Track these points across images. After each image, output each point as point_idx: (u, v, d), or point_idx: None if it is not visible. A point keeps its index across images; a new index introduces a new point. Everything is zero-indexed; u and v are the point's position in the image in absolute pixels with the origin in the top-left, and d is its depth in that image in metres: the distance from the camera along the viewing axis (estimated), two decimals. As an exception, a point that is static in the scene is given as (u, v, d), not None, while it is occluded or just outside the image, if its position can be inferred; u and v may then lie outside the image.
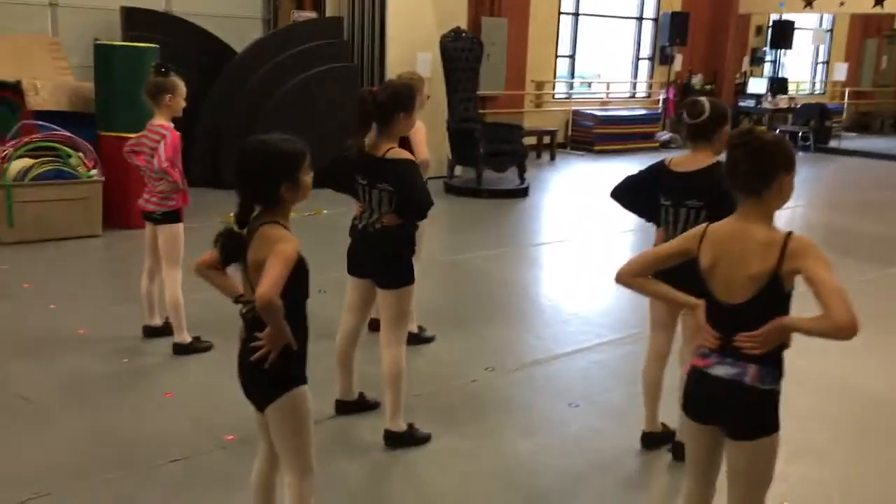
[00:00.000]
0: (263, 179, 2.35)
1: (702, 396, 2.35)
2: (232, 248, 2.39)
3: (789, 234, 2.20)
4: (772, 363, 2.26)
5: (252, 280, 2.37)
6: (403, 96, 3.55)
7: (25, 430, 3.75)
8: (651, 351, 3.64)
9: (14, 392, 4.10)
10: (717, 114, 3.26)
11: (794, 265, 2.15)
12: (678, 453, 3.46)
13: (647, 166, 3.59)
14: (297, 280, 2.34)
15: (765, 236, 2.21)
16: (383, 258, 3.58)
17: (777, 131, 15.70)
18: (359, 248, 3.66)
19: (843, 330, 2.04)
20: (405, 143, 3.94)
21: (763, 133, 2.26)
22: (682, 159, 3.41)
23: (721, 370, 2.28)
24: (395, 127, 3.53)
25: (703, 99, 3.31)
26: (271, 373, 2.38)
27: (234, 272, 2.54)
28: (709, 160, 3.28)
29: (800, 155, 15.11)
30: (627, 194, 3.61)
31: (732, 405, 2.27)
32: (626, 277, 2.43)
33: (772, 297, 2.20)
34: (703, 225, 2.36)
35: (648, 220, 3.60)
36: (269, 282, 2.22)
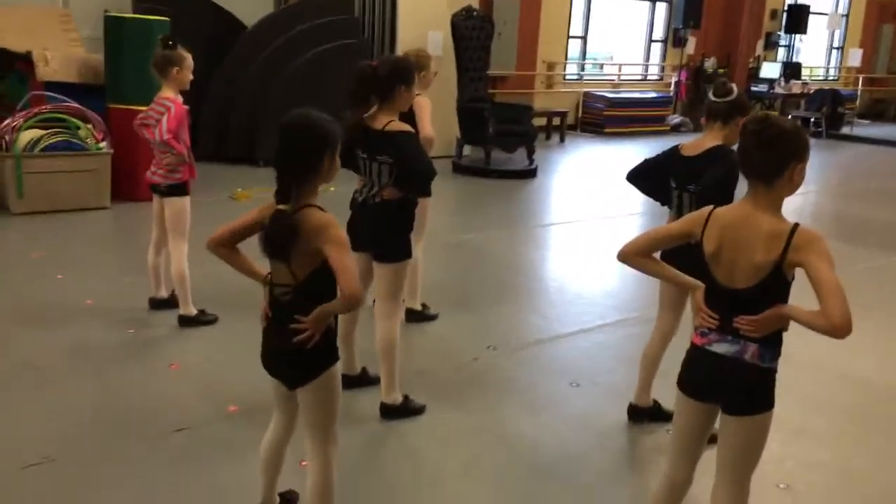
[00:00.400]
0: (308, 150, 2.37)
1: (701, 372, 2.38)
2: (285, 233, 2.33)
3: (796, 225, 2.21)
4: (771, 343, 2.30)
5: (293, 264, 2.38)
6: (403, 69, 3.56)
7: (33, 397, 3.80)
8: (656, 329, 3.69)
9: (22, 359, 4.15)
10: (739, 101, 3.34)
11: (797, 258, 2.17)
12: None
13: (662, 150, 3.62)
14: None
15: (771, 226, 2.22)
16: (382, 232, 3.61)
17: (789, 117, 15.62)
18: (358, 221, 3.68)
19: (838, 329, 2.07)
20: (410, 120, 3.95)
21: (779, 119, 2.26)
22: (692, 143, 3.48)
23: (722, 347, 2.31)
24: (396, 100, 3.54)
25: (734, 84, 3.37)
26: (311, 354, 2.42)
27: (243, 248, 2.56)
28: (714, 142, 3.31)
29: (812, 141, 15.04)
30: (642, 178, 3.66)
31: (732, 381, 2.31)
32: (629, 256, 2.46)
33: (773, 285, 2.22)
34: (709, 208, 2.37)
35: (663, 203, 3.63)
36: (351, 276, 2.29)
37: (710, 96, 3.37)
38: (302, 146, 2.38)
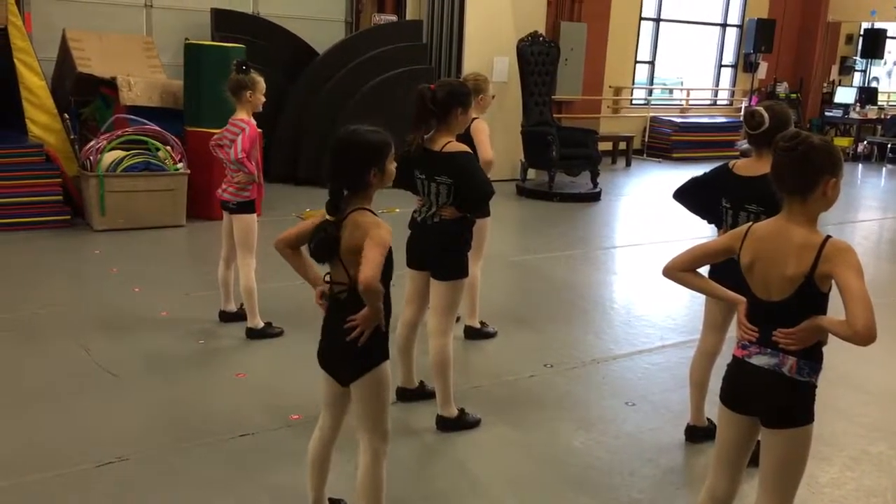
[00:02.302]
0: (354, 164, 2.55)
1: (741, 385, 2.42)
2: (327, 240, 2.53)
3: (828, 237, 2.25)
4: (811, 356, 2.32)
5: (346, 263, 2.55)
6: (460, 93, 3.68)
7: (109, 400, 4.02)
8: (700, 348, 3.72)
9: (101, 365, 4.39)
10: (778, 121, 3.24)
11: (827, 269, 2.21)
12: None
13: (711, 169, 3.63)
14: (386, 264, 2.52)
15: (803, 238, 2.26)
16: (440, 250, 3.71)
17: (865, 143, 15.26)
18: (417, 240, 3.80)
19: (859, 335, 2.11)
20: (468, 143, 4.06)
21: (810, 136, 2.30)
22: (747, 164, 3.43)
23: (761, 360, 2.35)
24: (453, 122, 3.66)
25: (761, 108, 3.30)
26: (363, 350, 2.57)
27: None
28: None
29: (889, 167, 14.72)
30: (690, 195, 3.64)
31: (771, 393, 2.34)
32: (672, 271, 2.53)
33: (807, 297, 2.26)
34: (748, 224, 2.42)
35: (710, 222, 3.64)
36: (372, 266, 2.42)
37: (745, 129, 3.33)
38: (348, 159, 2.56)
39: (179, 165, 7.42)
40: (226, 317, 5.08)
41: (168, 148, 7.40)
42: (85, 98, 8.26)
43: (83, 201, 7.35)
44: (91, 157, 7.14)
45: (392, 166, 2.64)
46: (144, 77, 8.12)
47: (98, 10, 9.26)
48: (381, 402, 2.68)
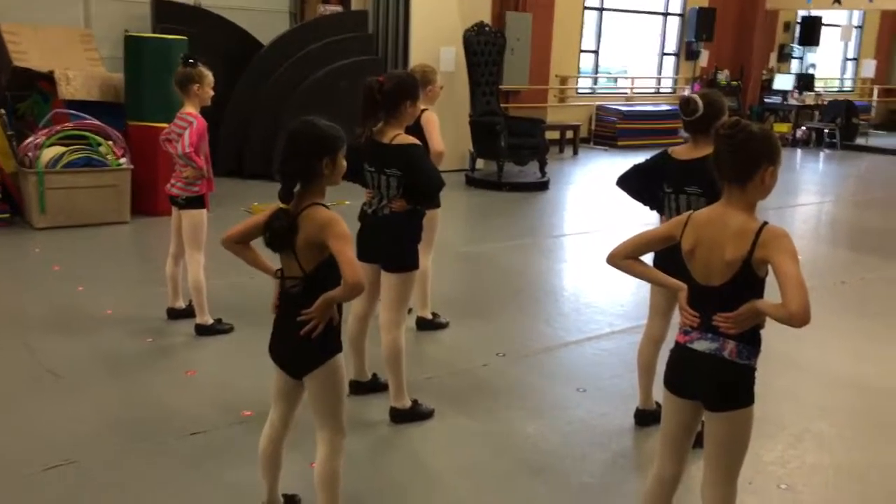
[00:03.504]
0: (307, 154, 2.56)
1: (683, 370, 2.48)
2: (285, 228, 2.54)
3: (764, 223, 2.31)
4: (749, 340, 2.39)
5: (300, 258, 2.56)
6: (409, 85, 3.69)
7: (54, 403, 3.94)
8: (646, 334, 3.81)
9: (44, 366, 4.30)
10: (712, 108, 3.35)
11: (763, 254, 2.27)
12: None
13: (651, 156, 3.70)
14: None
15: (741, 225, 2.32)
16: (390, 242, 3.72)
17: (803, 128, 15.65)
18: (368, 233, 3.80)
19: (794, 317, 2.17)
20: (418, 134, 4.06)
21: (750, 125, 2.36)
22: (684, 149, 3.54)
23: (702, 345, 2.41)
24: (402, 115, 3.67)
25: (696, 96, 3.40)
26: (316, 343, 2.58)
27: (256, 245, 2.71)
28: (708, 150, 3.38)
29: (826, 152, 15.13)
30: (632, 182, 3.73)
31: (711, 377, 2.40)
32: (616, 259, 2.58)
33: (745, 281, 2.32)
34: (689, 212, 2.48)
35: (652, 208, 3.72)
36: (352, 266, 2.47)
37: (681, 116, 3.43)
38: (301, 150, 2.57)
39: (122, 161, 7.27)
40: (174, 314, 5.01)
41: (110, 143, 7.25)
42: (21, 93, 8.03)
43: (22, 199, 7.16)
44: (30, 154, 6.97)
45: (343, 161, 2.65)
46: (83, 70, 7.94)
47: (34, 1, 8.99)
48: (336, 394, 2.69)
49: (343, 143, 2.63)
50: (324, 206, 2.59)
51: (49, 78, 7.63)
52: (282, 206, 2.57)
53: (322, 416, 2.69)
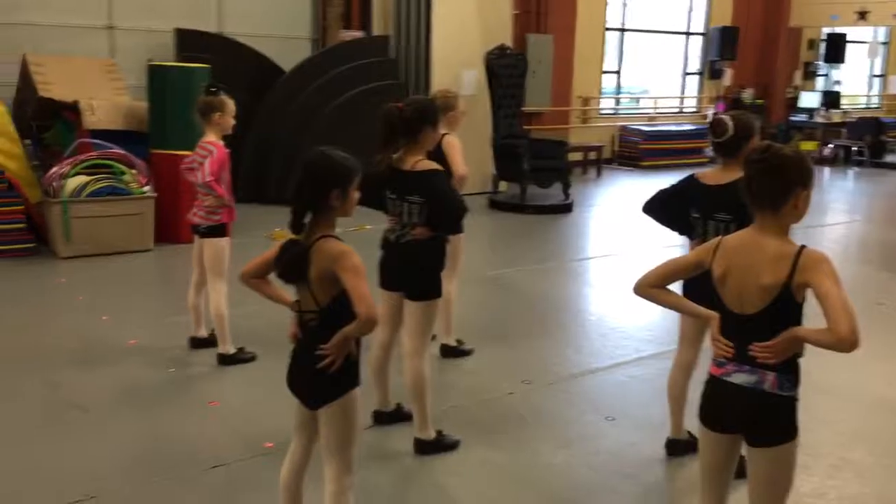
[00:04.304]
0: (319, 185, 2.53)
1: (722, 404, 2.38)
2: (296, 259, 2.51)
3: (802, 247, 2.24)
4: (789, 370, 2.30)
5: (314, 291, 2.52)
6: (428, 110, 3.65)
7: (77, 435, 3.91)
8: (676, 362, 3.71)
9: (68, 398, 4.27)
10: (742, 130, 3.28)
11: (804, 278, 2.20)
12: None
13: (678, 180, 3.62)
14: None
15: (777, 249, 2.25)
16: (412, 270, 3.66)
17: (830, 146, 15.45)
18: (390, 260, 3.75)
19: (844, 342, 2.09)
20: (440, 159, 4.02)
21: (781, 149, 2.29)
22: (713, 173, 3.45)
23: (740, 378, 2.32)
24: (422, 141, 3.62)
25: (726, 117, 3.33)
26: (332, 377, 2.54)
27: (274, 279, 2.67)
28: (738, 174, 3.29)
29: (854, 170, 14.91)
30: (659, 208, 3.65)
31: (753, 412, 2.31)
32: (643, 288, 2.50)
33: (783, 308, 2.24)
34: (719, 237, 2.40)
35: (680, 233, 3.64)
36: (364, 300, 2.42)
37: (710, 138, 3.36)
38: (311, 181, 2.53)
39: (146, 189, 7.30)
40: (196, 343, 4.98)
41: (134, 171, 7.28)
42: (47, 123, 8.10)
43: (47, 228, 7.20)
44: (54, 184, 7.01)
45: (355, 194, 2.61)
46: (108, 100, 8.00)
47: (59, 33, 9.11)
48: (348, 430, 2.63)
49: (356, 175, 2.60)
50: (335, 237, 2.55)
51: (74, 108, 7.69)
52: (292, 237, 2.54)
53: (331, 452, 2.63)
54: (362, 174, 2.63)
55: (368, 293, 2.46)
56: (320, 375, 2.53)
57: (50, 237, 7.16)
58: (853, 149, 15.28)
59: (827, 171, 14.69)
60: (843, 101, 16.74)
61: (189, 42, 9.39)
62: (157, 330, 5.31)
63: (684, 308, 2.58)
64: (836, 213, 10.77)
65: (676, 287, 2.64)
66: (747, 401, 2.30)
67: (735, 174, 3.32)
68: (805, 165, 2.29)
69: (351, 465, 2.65)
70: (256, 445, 3.79)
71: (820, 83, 17.23)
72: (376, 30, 10.89)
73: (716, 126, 3.32)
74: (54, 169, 7.12)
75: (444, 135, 4.49)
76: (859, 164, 15.01)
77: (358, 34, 10.67)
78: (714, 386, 2.40)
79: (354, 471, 2.67)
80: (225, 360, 4.77)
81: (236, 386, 4.55)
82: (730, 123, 3.28)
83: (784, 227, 2.29)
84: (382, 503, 3.32)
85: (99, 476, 3.50)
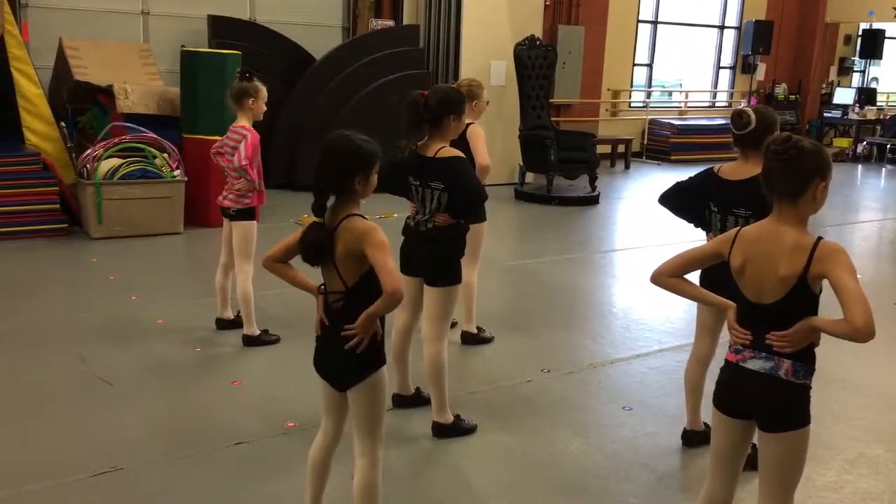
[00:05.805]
0: (340, 169, 2.57)
1: (736, 389, 2.42)
2: (321, 240, 2.55)
3: (819, 238, 2.26)
4: (805, 358, 2.33)
5: (341, 271, 2.57)
6: (452, 100, 3.69)
7: (103, 410, 4.02)
8: (693, 353, 3.73)
9: (96, 374, 4.39)
10: (764, 123, 3.27)
11: (820, 269, 2.22)
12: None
13: (696, 173, 3.63)
14: None
15: (794, 240, 2.27)
16: (433, 257, 3.71)
17: (864, 143, 15.25)
18: (411, 246, 3.80)
19: (860, 332, 2.12)
20: (464, 148, 4.06)
21: (801, 140, 2.30)
22: (733, 167, 3.44)
23: (756, 364, 2.35)
24: (446, 129, 3.67)
25: (749, 109, 3.33)
26: (359, 358, 2.58)
27: (298, 264, 2.72)
28: (758, 169, 3.28)
29: (889, 168, 14.70)
30: (676, 200, 3.66)
31: (767, 398, 2.34)
32: (660, 277, 2.53)
33: (800, 298, 2.27)
34: (737, 228, 2.43)
35: (696, 225, 3.65)
36: (391, 274, 2.46)
37: (732, 130, 3.36)
38: (333, 165, 2.58)
39: (176, 173, 7.42)
40: (222, 324, 5.08)
41: (165, 155, 7.41)
42: (82, 106, 8.27)
43: (80, 209, 7.36)
44: (88, 165, 7.15)
45: (375, 177, 2.65)
46: (141, 85, 8.13)
47: (95, 18, 9.28)
48: (378, 407, 2.69)
49: (377, 159, 2.63)
50: (361, 216, 2.59)
51: (108, 92, 7.83)
52: (316, 219, 2.58)
53: (362, 429, 2.69)
54: (388, 161, 2.67)
55: (395, 268, 2.50)
56: (348, 357, 2.58)
57: (83, 218, 7.32)
58: (888, 146, 15.06)
59: (860, 168, 14.52)
60: (880, 98, 16.50)
61: (222, 29, 9.50)
62: (185, 310, 5.42)
63: (701, 297, 2.62)
64: (868, 210, 10.63)
65: (693, 276, 2.67)
66: (762, 386, 2.33)
67: (755, 169, 3.30)
68: (823, 157, 2.30)
69: (382, 439, 2.72)
70: (279, 425, 3.87)
71: (855, 79, 17.00)
72: (407, 19, 10.94)
73: (738, 118, 3.32)
74: (88, 151, 7.27)
75: (469, 124, 4.53)
76: (893, 161, 14.80)
77: (389, 23, 10.73)
78: (729, 371, 2.43)
79: (383, 443, 2.74)
80: (250, 342, 4.86)
81: (260, 367, 4.64)
82: (752, 115, 3.28)
83: (802, 218, 2.31)
84: (399, 484, 3.38)
85: (125, 449, 3.60)
